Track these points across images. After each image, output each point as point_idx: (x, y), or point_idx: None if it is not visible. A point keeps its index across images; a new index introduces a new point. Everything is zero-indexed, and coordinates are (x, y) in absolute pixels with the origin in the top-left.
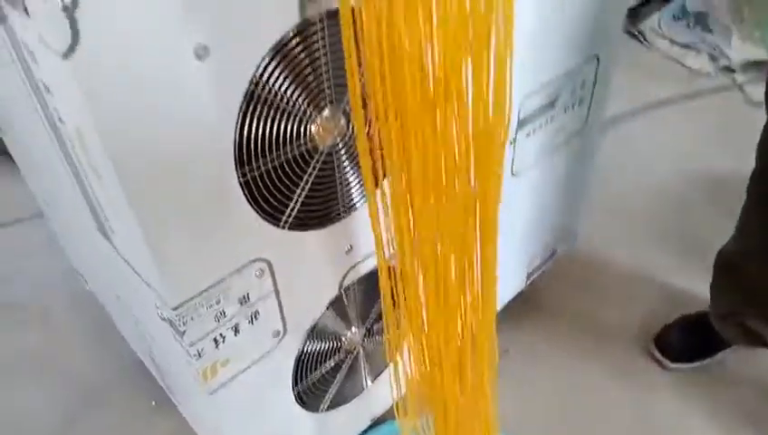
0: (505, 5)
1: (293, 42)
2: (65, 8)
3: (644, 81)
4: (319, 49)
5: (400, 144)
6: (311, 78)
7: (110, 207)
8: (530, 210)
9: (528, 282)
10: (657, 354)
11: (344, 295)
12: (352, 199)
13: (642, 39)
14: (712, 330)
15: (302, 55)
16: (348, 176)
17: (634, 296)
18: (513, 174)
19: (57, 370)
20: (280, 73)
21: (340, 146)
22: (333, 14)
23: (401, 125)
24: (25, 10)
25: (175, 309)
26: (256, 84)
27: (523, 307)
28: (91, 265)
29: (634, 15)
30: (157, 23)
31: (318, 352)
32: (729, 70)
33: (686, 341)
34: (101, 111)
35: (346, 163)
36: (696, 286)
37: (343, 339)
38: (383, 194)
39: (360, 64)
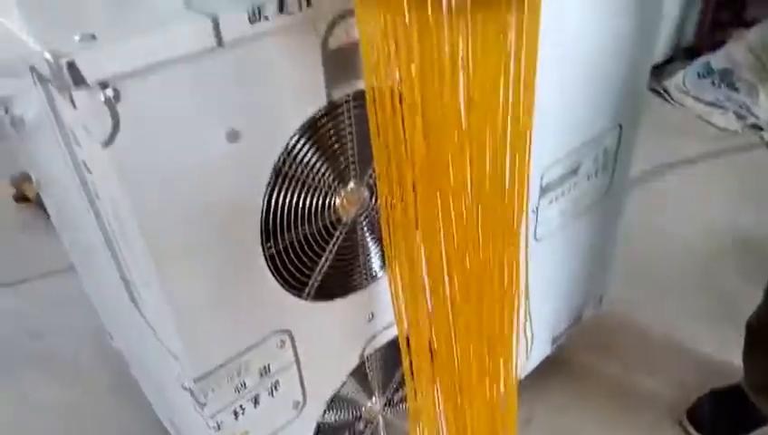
0: (526, 91)
1: (320, 122)
2: (108, 101)
3: (670, 138)
4: (345, 127)
5: (414, 222)
6: (336, 154)
7: (139, 278)
8: (554, 275)
9: (554, 346)
10: (691, 429)
11: (365, 364)
12: (374, 268)
13: (667, 96)
14: (748, 403)
15: (329, 134)
16: (369, 245)
17: (664, 363)
18: (536, 239)
19: (85, 425)
20: (307, 151)
21: (363, 217)
22: (358, 96)
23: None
24: (72, 102)
25: (196, 381)
26: (284, 162)
27: (549, 372)
28: (118, 325)
29: (658, 73)
30: (192, 111)
31: (337, 423)
32: (757, 127)
33: (721, 415)
34: (136, 193)
35: (368, 233)
36: (730, 354)
37: (363, 408)
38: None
39: (386, 146)
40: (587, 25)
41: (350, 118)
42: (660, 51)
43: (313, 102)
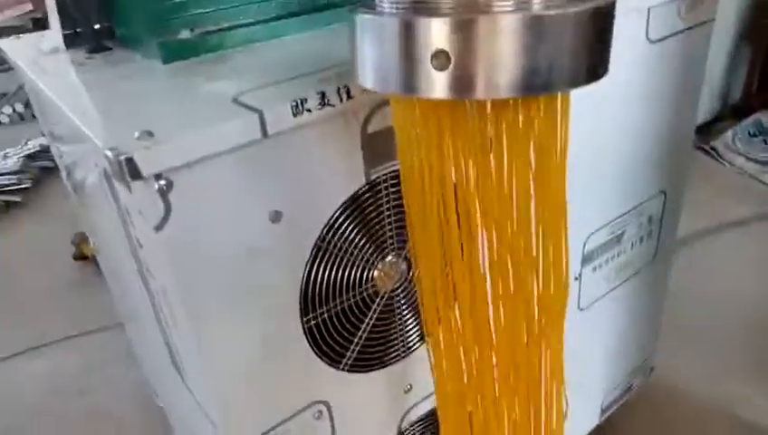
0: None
1: (359, 201)
2: (161, 190)
3: (719, 198)
4: (383, 204)
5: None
6: (375, 230)
7: (182, 347)
8: (601, 345)
9: (603, 417)
10: None
11: None
12: (412, 340)
13: (716, 155)
14: None
15: (367, 212)
16: (407, 317)
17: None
18: (579, 308)
19: None
20: (347, 228)
21: (400, 289)
22: (396, 174)
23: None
24: (128, 187)
25: None
26: (323, 239)
27: None
28: (162, 384)
29: (706, 132)
30: (237, 196)
31: None
32: None
33: None
34: (183, 271)
35: (405, 306)
36: None
37: None
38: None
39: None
40: (630, 93)
41: (388, 195)
42: (707, 109)
43: (353, 183)
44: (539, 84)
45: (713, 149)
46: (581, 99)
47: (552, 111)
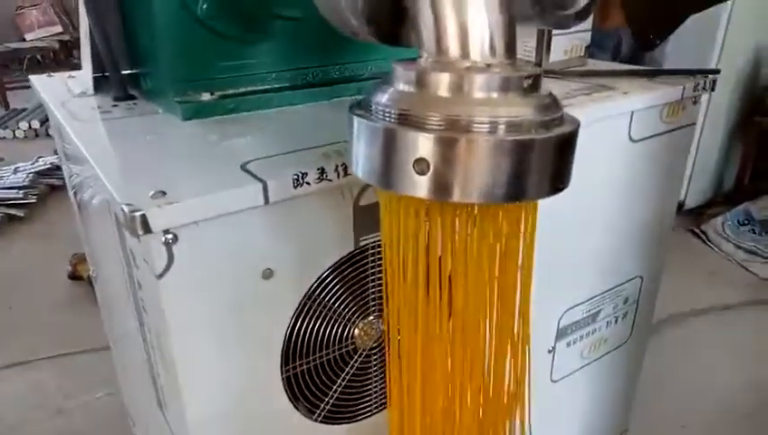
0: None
1: (347, 264)
2: (166, 243)
3: (706, 283)
4: (368, 269)
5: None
6: (359, 291)
7: (168, 390)
8: (572, 417)
9: None
10: None
11: None
12: (385, 397)
13: (705, 239)
14: None
15: (353, 274)
16: (382, 375)
17: None
18: (552, 380)
19: None
20: (332, 288)
21: (378, 348)
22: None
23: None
24: (138, 237)
25: None
26: (309, 297)
27: None
28: (142, 416)
29: (697, 215)
30: (234, 254)
31: None
32: None
33: None
34: (178, 317)
35: (381, 364)
36: None
37: None
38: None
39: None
40: (611, 187)
41: (374, 261)
42: (701, 194)
43: (343, 247)
44: (507, 194)
45: (703, 232)
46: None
47: (517, 216)
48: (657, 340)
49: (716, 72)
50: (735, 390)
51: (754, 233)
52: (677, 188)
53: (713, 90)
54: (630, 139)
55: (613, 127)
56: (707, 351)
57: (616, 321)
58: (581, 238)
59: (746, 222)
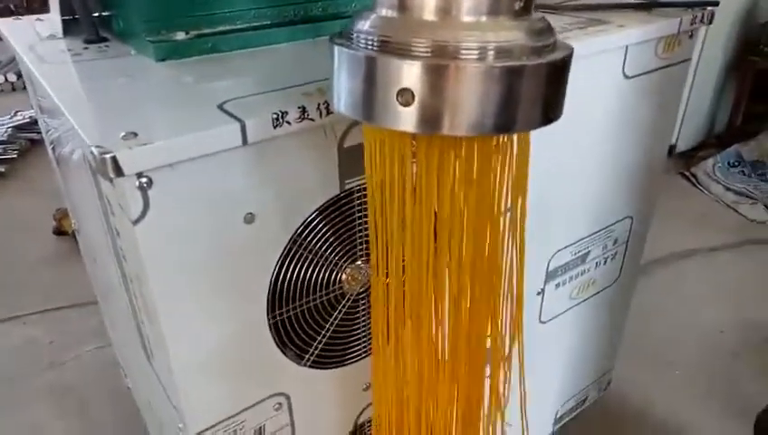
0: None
1: (332, 208)
2: (141, 187)
3: (695, 225)
4: (354, 213)
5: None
6: (345, 236)
7: (153, 337)
8: (559, 357)
9: (557, 426)
10: None
11: (360, 431)
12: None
13: (695, 182)
14: None
15: (340, 218)
16: (369, 320)
17: None
18: (540, 321)
19: None
20: (318, 232)
21: (365, 293)
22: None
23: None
24: (111, 180)
25: None
26: (294, 242)
27: None
28: (131, 366)
29: (688, 158)
30: (213, 197)
31: None
32: None
33: None
34: (157, 263)
35: (368, 309)
36: None
37: None
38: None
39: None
40: (604, 124)
41: (360, 205)
42: (692, 136)
43: (327, 191)
44: (497, 125)
45: (693, 175)
46: (558, 125)
47: (508, 147)
48: (645, 281)
49: (715, 3)
50: (722, 329)
51: (744, 175)
52: (670, 127)
53: (710, 23)
54: (624, 75)
55: (607, 62)
56: (694, 291)
57: (605, 262)
58: (571, 178)
59: (737, 164)
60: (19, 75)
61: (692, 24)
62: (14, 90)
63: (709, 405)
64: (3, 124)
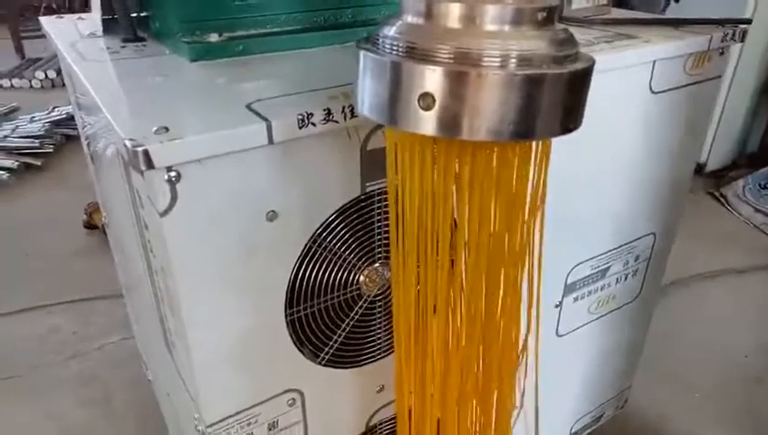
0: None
1: (353, 209)
2: (170, 181)
3: (721, 245)
4: (374, 215)
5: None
6: (365, 237)
7: (174, 328)
8: (576, 371)
9: None
10: None
11: (370, 432)
12: (389, 343)
13: (724, 202)
14: None
15: (360, 220)
16: (385, 322)
17: None
18: (558, 335)
19: None
20: (338, 233)
21: (382, 295)
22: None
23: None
24: (141, 173)
25: (209, 426)
26: (315, 242)
27: None
28: (152, 358)
29: (718, 177)
30: (238, 193)
31: None
32: None
33: None
34: (182, 257)
35: (385, 311)
36: None
37: None
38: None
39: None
40: (630, 139)
41: (380, 207)
42: (723, 156)
43: (349, 192)
44: (515, 132)
45: (722, 196)
46: (582, 138)
47: (527, 156)
48: (668, 300)
49: (748, 21)
50: (746, 352)
51: None
52: (698, 145)
53: (742, 41)
54: (651, 90)
55: (634, 77)
56: (719, 313)
57: (625, 278)
58: (593, 192)
59: (767, 185)
60: (58, 72)
61: (723, 42)
62: (53, 86)
63: (728, 428)
64: (40, 119)
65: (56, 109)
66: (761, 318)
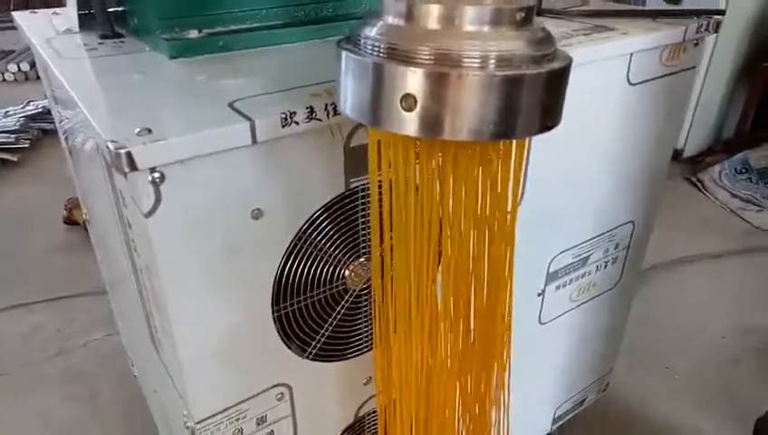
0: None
1: (337, 206)
2: (153, 182)
3: (699, 230)
4: (359, 211)
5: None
6: (349, 233)
7: (160, 326)
8: (558, 358)
9: (555, 426)
10: None
11: (359, 424)
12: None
13: (701, 187)
14: None
15: (344, 216)
16: (371, 316)
17: None
18: (540, 323)
19: None
20: (323, 229)
21: (368, 290)
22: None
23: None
24: (125, 174)
25: (198, 422)
26: (300, 238)
27: None
28: (139, 355)
29: (695, 163)
30: (223, 193)
31: None
32: None
33: None
34: (167, 256)
35: (370, 305)
36: None
37: None
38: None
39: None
40: (608, 130)
41: (364, 203)
42: (699, 142)
43: (332, 190)
44: (496, 132)
45: (699, 181)
46: (561, 131)
47: (507, 153)
48: (647, 286)
49: (721, 12)
50: (723, 335)
51: (751, 182)
52: (675, 134)
53: (716, 31)
54: (629, 81)
55: (611, 69)
56: (697, 297)
57: (606, 265)
58: (573, 183)
59: (743, 171)
60: (32, 65)
61: (697, 33)
62: (27, 79)
63: (707, 409)
64: (15, 114)
65: (31, 103)
66: (737, 301)
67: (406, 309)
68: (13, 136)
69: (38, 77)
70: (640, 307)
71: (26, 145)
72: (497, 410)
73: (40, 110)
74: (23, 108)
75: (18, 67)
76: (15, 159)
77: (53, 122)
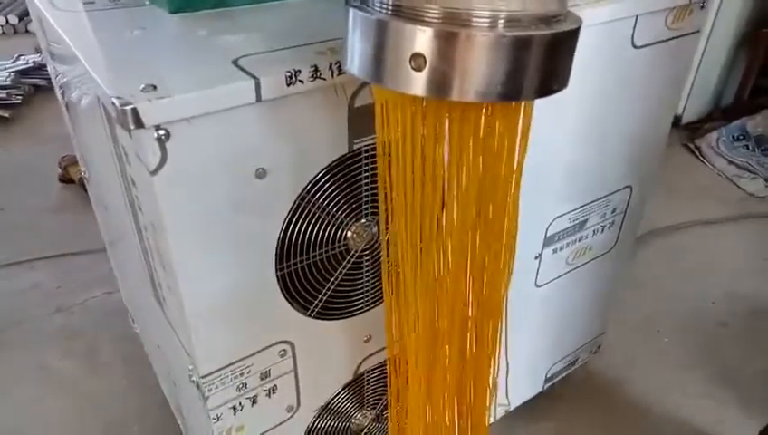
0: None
1: (340, 166)
2: (159, 139)
3: (695, 197)
4: (362, 172)
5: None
6: (352, 194)
7: (165, 283)
8: (552, 319)
9: (547, 385)
10: None
11: (359, 380)
12: (374, 296)
13: (698, 154)
14: None
15: (347, 177)
16: (372, 276)
17: (650, 423)
18: (536, 285)
19: (87, 399)
20: (326, 190)
21: (369, 250)
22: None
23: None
24: (129, 132)
25: (203, 377)
26: (303, 199)
27: (538, 407)
28: (141, 312)
29: (693, 129)
30: (228, 151)
31: (326, 429)
32: None
33: None
34: (172, 214)
35: (372, 265)
36: (724, 420)
37: (353, 420)
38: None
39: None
40: (610, 93)
41: (367, 164)
42: (698, 108)
43: (336, 150)
44: (504, 93)
45: (697, 147)
46: (566, 94)
47: (513, 115)
48: (642, 251)
49: None
50: (713, 300)
51: (747, 149)
52: (675, 99)
53: None
54: (633, 45)
55: (616, 32)
56: (689, 263)
57: (602, 230)
58: (574, 146)
59: (741, 138)
60: (20, 17)
61: None
62: (15, 32)
63: (693, 370)
64: (6, 68)
65: (22, 57)
66: (728, 267)
67: (411, 269)
68: (4, 92)
69: (27, 30)
70: (633, 272)
71: (18, 101)
72: (494, 366)
73: (31, 65)
74: (13, 62)
75: (6, 20)
76: (8, 115)
77: (46, 78)
